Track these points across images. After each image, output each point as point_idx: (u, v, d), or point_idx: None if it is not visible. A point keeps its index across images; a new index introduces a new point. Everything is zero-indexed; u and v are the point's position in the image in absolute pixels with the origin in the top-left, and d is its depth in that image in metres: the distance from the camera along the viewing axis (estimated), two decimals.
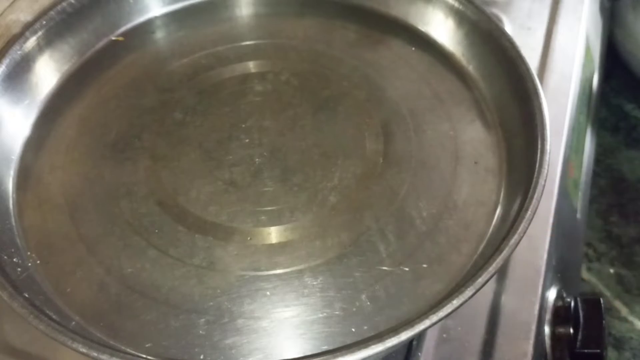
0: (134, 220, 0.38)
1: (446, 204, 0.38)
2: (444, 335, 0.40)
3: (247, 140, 0.41)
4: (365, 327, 0.33)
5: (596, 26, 0.68)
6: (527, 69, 0.40)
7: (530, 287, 0.42)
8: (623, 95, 0.97)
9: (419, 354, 0.39)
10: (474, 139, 0.41)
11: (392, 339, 0.30)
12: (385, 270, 0.35)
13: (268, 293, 0.35)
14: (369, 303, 0.34)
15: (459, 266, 0.35)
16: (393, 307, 0.34)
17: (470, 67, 0.44)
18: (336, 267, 0.35)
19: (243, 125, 0.42)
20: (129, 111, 0.43)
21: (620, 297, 0.79)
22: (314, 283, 0.35)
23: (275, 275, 0.35)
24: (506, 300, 0.42)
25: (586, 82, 0.61)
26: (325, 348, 0.33)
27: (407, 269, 0.35)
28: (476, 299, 0.40)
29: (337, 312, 0.34)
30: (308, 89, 0.44)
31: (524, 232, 0.33)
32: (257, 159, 0.40)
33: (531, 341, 0.40)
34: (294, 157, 0.40)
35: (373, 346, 0.30)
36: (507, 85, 0.42)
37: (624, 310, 0.78)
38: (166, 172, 0.40)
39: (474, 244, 0.36)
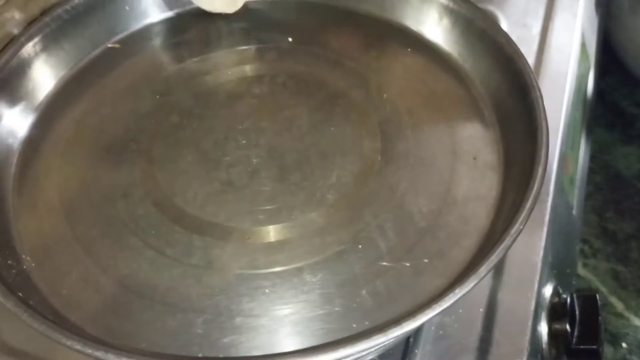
0: (130, 221, 0.37)
1: (445, 199, 0.38)
2: (441, 332, 0.40)
3: (244, 141, 0.41)
4: (367, 323, 0.33)
5: (592, 23, 0.68)
6: (524, 64, 0.40)
7: (526, 283, 0.42)
8: (619, 91, 0.97)
9: (416, 350, 0.39)
10: (472, 136, 0.41)
11: (395, 329, 0.30)
12: (385, 265, 0.35)
13: (267, 291, 0.35)
14: (369, 299, 0.34)
15: (460, 260, 0.35)
16: (394, 302, 0.34)
17: (467, 66, 0.44)
18: (336, 264, 0.35)
19: (240, 127, 0.42)
20: (126, 115, 0.43)
21: (616, 293, 0.80)
22: (314, 280, 0.35)
23: (274, 273, 0.35)
24: (502, 296, 0.42)
25: (582, 78, 0.61)
26: None
27: (407, 264, 0.35)
28: (473, 295, 0.40)
29: (337, 309, 0.34)
30: (305, 91, 0.44)
31: (526, 221, 0.33)
32: (254, 159, 0.40)
33: (527, 337, 0.40)
34: (291, 156, 0.40)
35: (375, 337, 0.30)
36: (504, 82, 0.42)
37: (619, 306, 0.79)
38: (163, 174, 0.40)
39: (474, 238, 0.36)
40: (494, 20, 0.44)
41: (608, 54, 0.88)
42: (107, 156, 0.41)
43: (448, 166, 0.40)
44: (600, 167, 0.90)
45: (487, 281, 0.42)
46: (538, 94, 0.39)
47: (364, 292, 0.34)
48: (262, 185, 0.39)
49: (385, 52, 0.46)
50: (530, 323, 0.40)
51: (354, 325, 0.33)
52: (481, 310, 0.41)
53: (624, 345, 0.76)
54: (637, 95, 0.97)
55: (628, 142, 0.93)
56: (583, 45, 0.60)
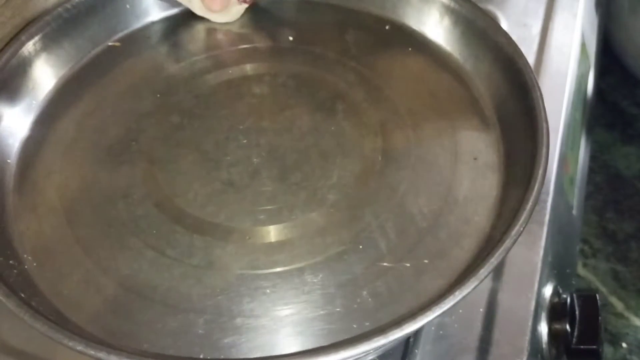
0: (130, 222, 0.37)
1: (446, 199, 0.38)
2: (441, 332, 0.40)
3: (244, 141, 0.41)
4: (367, 324, 0.33)
5: (592, 23, 0.68)
6: (525, 64, 0.40)
7: (526, 283, 0.42)
8: (618, 91, 0.97)
9: (416, 350, 0.39)
10: (473, 136, 0.41)
11: (395, 331, 0.30)
12: (386, 266, 0.35)
13: (268, 291, 0.35)
14: (370, 299, 0.34)
15: (461, 261, 0.35)
16: (395, 302, 0.34)
17: (467, 66, 0.45)
18: (337, 264, 0.35)
19: (240, 127, 0.42)
20: (126, 115, 0.43)
21: (616, 292, 0.80)
22: (315, 280, 0.35)
23: (274, 273, 0.35)
24: (502, 296, 0.42)
25: (582, 78, 0.61)
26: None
27: (408, 264, 0.35)
28: (473, 295, 0.40)
29: (338, 309, 0.34)
30: (305, 91, 0.44)
31: (526, 223, 0.33)
32: (255, 159, 0.40)
33: (527, 337, 0.40)
34: (292, 156, 0.40)
35: (376, 339, 0.30)
36: (504, 82, 0.42)
37: (619, 306, 0.79)
38: (163, 175, 0.39)
39: (475, 238, 0.36)
40: (495, 21, 0.44)
41: (608, 54, 0.88)
42: (107, 157, 0.41)
43: (449, 166, 0.40)
44: (600, 167, 0.90)
45: (487, 281, 0.42)
46: (538, 93, 0.39)
47: (364, 292, 0.34)
48: (262, 185, 0.39)
49: (385, 52, 0.46)
50: (530, 323, 0.40)
51: (355, 326, 0.33)
52: (481, 310, 0.41)
53: (624, 345, 0.76)
54: (637, 95, 0.97)
55: (628, 142, 0.93)
56: (583, 45, 0.60)
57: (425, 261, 0.35)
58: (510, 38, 0.42)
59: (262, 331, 0.33)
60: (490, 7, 0.59)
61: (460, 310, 0.41)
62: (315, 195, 0.38)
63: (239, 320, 0.34)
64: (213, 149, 0.41)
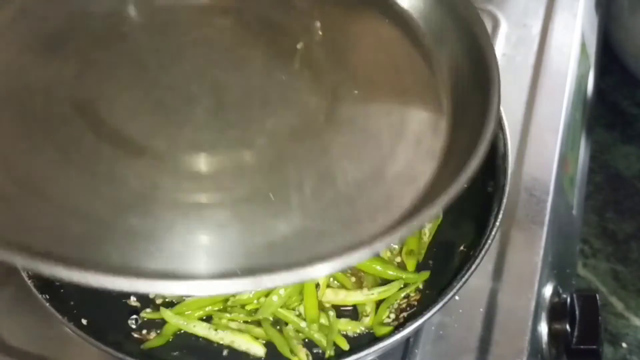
0: (43, 119, 0.34)
1: (375, 173, 0.36)
2: (441, 332, 0.40)
3: (188, 68, 0.38)
4: (258, 261, 0.31)
5: (592, 23, 0.68)
6: (496, 76, 0.39)
7: (526, 283, 0.42)
8: (618, 91, 0.97)
9: (416, 350, 0.40)
10: (423, 120, 0.39)
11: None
12: (292, 221, 0.33)
13: (165, 216, 0.32)
14: (265, 248, 0.32)
15: (368, 232, 0.33)
16: (288, 254, 0.32)
17: (439, 51, 0.42)
18: (243, 209, 0.33)
19: (190, 53, 0.39)
20: (74, 10, 0.39)
21: (616, 293, 0.80)
22: (219, 218, 0.33)
23: (176, 200, 0.33)
24: (502, 297, 0.42)
25: (582, 78, 0.61)
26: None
27: (313, 224, 0.33)
28: (473, 295, 0.40)
29: (235, 250, 0.32)
30: (267, 35, 0.41)
31: (444, 207, 0.31)
32: (194, 89, 0.37)
33: (527, 337, 0.40)
34: (233, 95, 0.37)
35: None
36: (471, 83, 0.40)
37: (619, 306, 0.79)
38: (94, 78, 0.36)
39: (391, 215, 0.34)
40: (482, 22, 0.43)
41: (608, 54, 0.88)
42: (41, 49, 0.37)
43: (389, 143, 0.37)
44: (600, 167, 0.90)
45: (487, 281, 0.42)
46: (497, 99, 0.37)
47: (262, 240, 0.32)
48: (193, 114, 0.36)
49: (362, 18, 0.43)
50: (530, 323, 0.41)
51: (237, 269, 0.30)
52: (481, 310, 0.41)
53: (624, 345, 0.76)
54: (637, 95, 0.97)
55: (628, 142, 0.93)
56: (583, 45, 0.60)
57: (333, 228, 0.33)
58: (489, 40, 0.41)
59: (170, 256, 0.31)
60: (490, 8, 0.59)
61: (460, 310, 0.41)
62: (244, 136, 0.36)
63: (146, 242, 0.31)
64: (154, 67, 0.38)
